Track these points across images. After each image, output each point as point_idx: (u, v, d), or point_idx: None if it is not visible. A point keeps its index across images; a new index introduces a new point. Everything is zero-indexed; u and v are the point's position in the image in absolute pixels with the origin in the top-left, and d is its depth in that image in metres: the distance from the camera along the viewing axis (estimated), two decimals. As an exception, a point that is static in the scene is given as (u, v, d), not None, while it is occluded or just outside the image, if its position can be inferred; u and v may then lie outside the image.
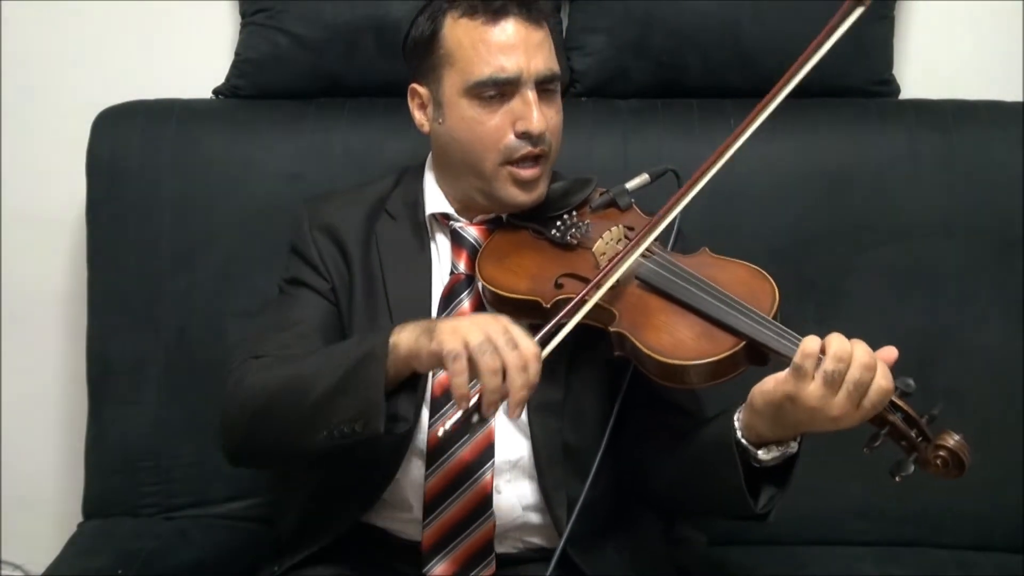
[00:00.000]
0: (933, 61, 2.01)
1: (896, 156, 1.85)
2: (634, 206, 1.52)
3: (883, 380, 1.21)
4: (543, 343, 1.30)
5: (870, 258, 1.82)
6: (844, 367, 1.19)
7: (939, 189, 1.84)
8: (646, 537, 1.56)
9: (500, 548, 1.48)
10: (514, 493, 1.47)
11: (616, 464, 1.48)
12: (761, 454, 1.28)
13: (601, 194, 1.52)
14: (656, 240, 1.41)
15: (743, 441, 1.28)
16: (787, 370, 1.22)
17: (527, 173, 1.46)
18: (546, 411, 1.46)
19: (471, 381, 1.25)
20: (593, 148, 1.83)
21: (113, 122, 1.90)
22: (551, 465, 1.46)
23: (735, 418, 1.29)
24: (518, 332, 1.26)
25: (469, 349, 1.24)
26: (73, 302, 2.03)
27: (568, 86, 1.94)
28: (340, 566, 1.50)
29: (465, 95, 1.45)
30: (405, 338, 1.30)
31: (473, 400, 1.25)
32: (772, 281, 1.37)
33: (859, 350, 1.21)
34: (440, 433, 1.27)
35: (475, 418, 1.26)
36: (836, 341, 1.21)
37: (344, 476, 1.49)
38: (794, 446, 1.29)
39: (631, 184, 1.51)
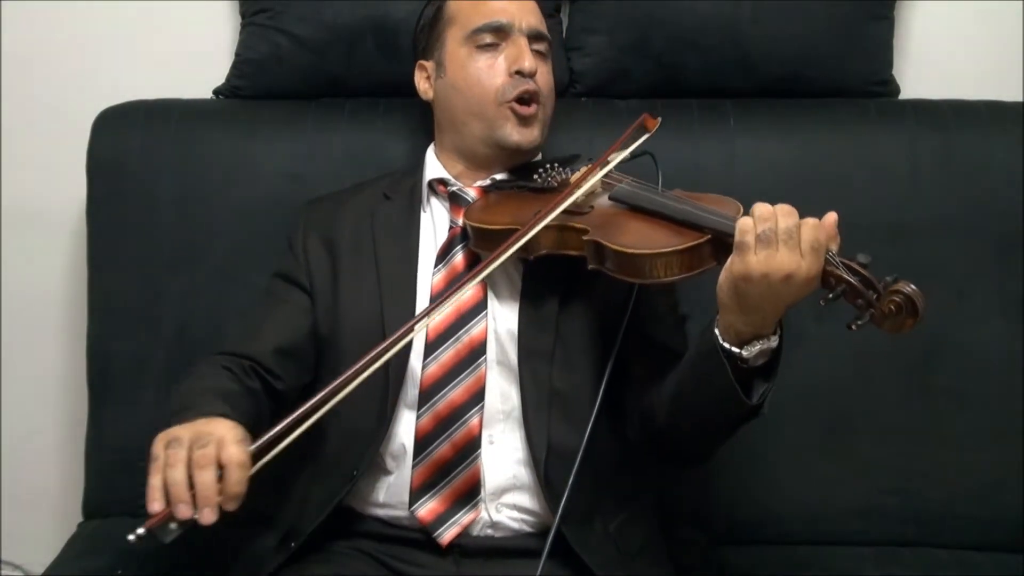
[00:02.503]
0: (933, 61, 2.01)
1: (896, 156, 1.85)
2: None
3: (811, 220, 1.27)
4: (262, 450, 1.27)
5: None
6: (773, 223, 1.27)
7: (939, 189, 1.84)
8: (638, 515, 1.56)
9: (497, 516, 1.49)
10: (507, 445, 1.50)
11: (611, 418, 1.50)
12: (744, 353, 1.32)
13: (584, 161, 1.60)
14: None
15: (725, 345, 1.32)
16: (732, 254, 1.28)
17: (525, 109, 1.58)
18: (535, 357, 1.51)
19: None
20: (593, 148, 1.82)
21: (113, 122, 1.90)
22: (536, 410, 1.49)
23: (715, 325, 1.34)
24: (231, 436, 1.24)
25: (166, 444, 1.24)
26: (73, 302, 2.03)
27: (568, 86, 1.95)
28: (335, 565, 1.50)
29: (464, 44, 1.60)
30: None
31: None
32: (738, 203, 1.43)
33: (779, 206, 1.28)
34: (130, 538, 1.22)
35: (172, 524, 1.22)
36: (758, 207, 1.29)
37: (341, 439, 1.53)
38: (775, 339, 1.32)
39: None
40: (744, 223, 1.28)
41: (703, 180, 1.80)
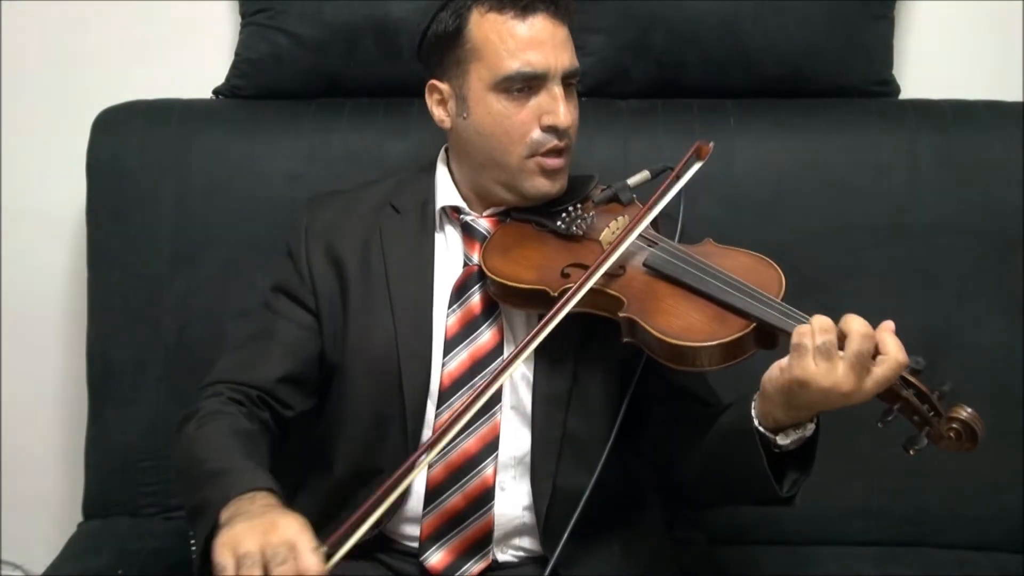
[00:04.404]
0: (933, 61, 2.01)
1: (896, 156, 1.85)
2: (636, 201, 1.53)
3: (898, 353, 1.22)
4: (334, 547, 1.22)
5: (870, 258, 1.82)
6: (831, 337, 1.22)
7: (939, 189, 1.84)
8: (642, 531, 1.55)
9: (501, 556, 1.49)
10: (517, 492, 1.47)
11: (623, 457, 1.47)
12: (779, 439, 1.29)
13: (603, 190, 1.53)
14: (662, 233, 1.45)
15: (761, 429, 1.29)
16: (789, 355, 1.24)
17: (553, 163, 1.47)
18: (551, 402, 1.47)
19: None
20: (594, 148, 1.83)
21: (113, 122, 1.90)
22: (544, 457, 1.46)
23: (752, 407, 1.30)
24: (304, 544, 1.17)
25: (237, 559, 1.17)
26: (73, 302, 2.03)
27: (568, 86, 1.95)
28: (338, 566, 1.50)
29: (492, 89, 1.46)
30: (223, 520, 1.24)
31: None
32: (777, 267, 1.40)
33: (856, 323, 1.23)
34: None
35: None
36: (818, 317, 1.24)
37: (353, 480, 1.49)
38: (811, 428, 1.30)
39: (632, 180, 1.52)
40: (804, 327, 1.24)
41: (703, 180, 1.80)
